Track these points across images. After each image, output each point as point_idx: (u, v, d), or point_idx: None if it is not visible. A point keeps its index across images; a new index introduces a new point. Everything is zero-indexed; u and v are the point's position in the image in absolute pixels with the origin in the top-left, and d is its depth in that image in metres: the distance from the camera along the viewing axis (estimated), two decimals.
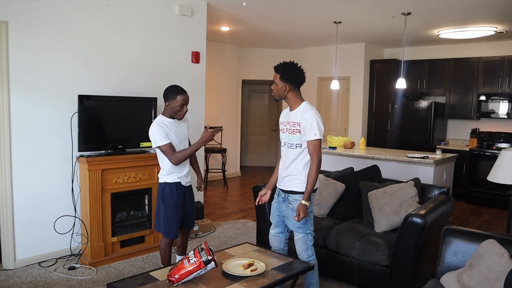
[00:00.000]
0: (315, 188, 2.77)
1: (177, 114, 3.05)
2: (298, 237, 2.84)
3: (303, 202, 2.66)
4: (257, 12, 5.44)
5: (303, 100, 2.79)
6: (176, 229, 3.15)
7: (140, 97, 4.18)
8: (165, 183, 3.10)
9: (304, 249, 2.84)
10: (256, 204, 3.14)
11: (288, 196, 2.81)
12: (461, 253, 2.47)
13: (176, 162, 2.99)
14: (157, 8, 4.47)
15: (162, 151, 2.99)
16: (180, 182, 3.12)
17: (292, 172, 2.77)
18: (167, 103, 3.03)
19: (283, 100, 2.85)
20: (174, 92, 3.03)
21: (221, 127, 3.06)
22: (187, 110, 3.09)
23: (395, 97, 7.37)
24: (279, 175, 2.92)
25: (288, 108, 2.84)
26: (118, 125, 4.01)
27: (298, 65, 2.78)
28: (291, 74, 2.73)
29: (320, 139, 2.68)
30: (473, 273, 2.26)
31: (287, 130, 2.80)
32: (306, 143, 2.70)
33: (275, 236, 3.03)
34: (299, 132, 2.71)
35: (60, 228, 3.84)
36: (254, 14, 5.57)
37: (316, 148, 2.67)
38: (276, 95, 2.81)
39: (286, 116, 2.85)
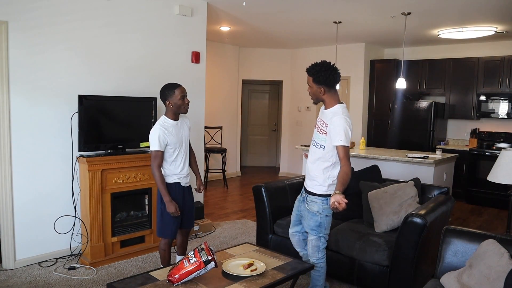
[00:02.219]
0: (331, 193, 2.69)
1: (181, 108, 3.06)
2: (311, 238, 2.83)
3: (337, 192, 2.48)
4: (257, 12, 5.44)
5: (339, 102, 2.68)
6: (173, 230, 3.15)
7: (140, 97, 4.18)
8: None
9: (315, 251, 2.82)
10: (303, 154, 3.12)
11: (307, 196, 2.80)
12: (461, 253, 2.47)
13: (152, 172, 3.02)
14: (157, 8, 4.47)
15: (151, 155, 3.00)
16: (179, 183, 3.12)
17: (313, 173, 2.75)
18: (167, 102, 3.03)
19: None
20: (170, 88, 3.05)
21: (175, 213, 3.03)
22: (189, 101, 3.11)
23: (395, 97, 7.38)
24: (306, 172, 2.88)
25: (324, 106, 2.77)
26: (118, 125, 4.01)
27: (331, 64, 2.65)
28: (323, 75, 2.61)
29: (347, 146, 2.57)
30: (473, 273, 2.26)
31: (317, 127, 2.76)
32: (329, 147, 2.64)
33: (292, 235, 3.04)
34: (325, 134, 2.66)
35: (60, 228, 3.84)
36: (254, 14, 5.57)
37: (345, 154, 2.56)
38: (313, 98, 2.75)
39: (321, 113, 2.79)
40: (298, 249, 3.08)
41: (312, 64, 2.68)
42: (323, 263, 2.85)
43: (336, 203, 2.44)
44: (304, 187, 2.88)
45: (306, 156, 3.15)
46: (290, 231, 3.06)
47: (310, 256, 2.85)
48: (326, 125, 2.65)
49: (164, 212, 3.08)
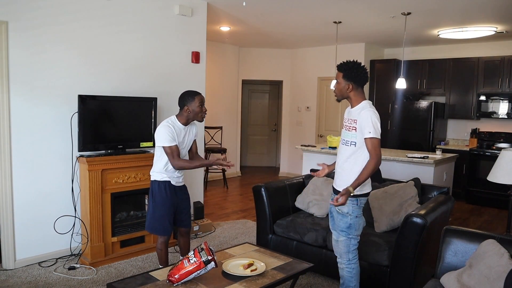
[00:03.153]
0: (367, 192, 2.68)
1: (198, 115, 3.09)
2: (341, 239, 2.74)
3: (350, 188, 2.53)
4: (257, 12, 5.44)
5: (365, 99, 2.70)
6: (164, 226, 3.13)
7: (140, 97, 4.18)
8: (155, 181, 3.11)
9: (345, 252, 2.73)
10: (311, 173, 3.06)
11: (335, 196, 2.71)
12: (461, 253, 2.47)
13: (177, 168, 3.03)
14: (157, 8, 4.47)
15: (166, 152, 3.00)
16: (169, 181, 3.11)
17: (345, 172, 2.68)
18: (186, 107, 3.05)
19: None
20: (191, 94, 3.08)
21: (231, 165, 3.07)
22: (206, 110, 3.14)
23: (395, 97, 7.38)
24: (335, 172, 2.83)
25: (350, 105, 2.77)
26: (118, 125, 4.00)
27: (362, 64, 2.71)
28: (355, 73, 2.66)
29: (377, 138, 2.56)
30: (473, 273, 2.26)
31: (345, 127, 2.74)
32: (361, 143, 2.62)
33: (333, 240, 2.87)
34: (355, 129, 2.63)
35: (60, 228, 3.84)
36: (254, 14, 5.57)
37: (374, 146, 2.55)
38: (338, 95, 2.75)
39: (347, 113, 2.78)
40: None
41: (343, 62, 2.74)
42: (354, 264, 2.76)
43: (333, 202, 2.48)
44: (334, 188, 2.81)
45: (313, 172, 3.03)
46: (332, 237, 2.88)
47: (340, 257, 2.77)
48: (355, 121, 2.64)
49: (155, 207, 3.10)
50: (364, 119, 2.58)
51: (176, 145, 3.01)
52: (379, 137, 2.58)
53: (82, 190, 3.81)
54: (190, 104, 3.05)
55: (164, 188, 3.09)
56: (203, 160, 3.16)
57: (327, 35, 6.82)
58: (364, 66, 2.72)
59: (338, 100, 2.82)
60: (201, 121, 3.16)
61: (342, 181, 2.68)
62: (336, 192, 2.75)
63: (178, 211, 3.18)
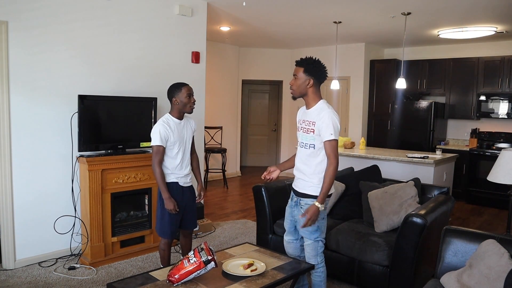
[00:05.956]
0: (330, 192, 2.64)
1: (186, 106, 3.08)
2: (308, 242, 2.75)
3: (317, 203, 2.54)
4: (257, 12, 5.44)
5: (321, 98, 2.69)
6: (171, 230, 3.13)
7: (140, 97, 4.18)
8: None
9: (313, 256, 2.74)
10: (263, 177, 2.91)
11: (300, 200, 2.71)
12: (461, 253, 2.47)
13: (152, 167, 3.03)
14: (157, 8, 4.47)
15: (152, 151, 3.01)
16: (177, 182, 3.11)
17: (307, 173, 2.67)
18: (174, 99, 3.05)
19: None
20: (177, 86, 3.09)
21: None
22: (195, 101, 3.14)
23: (395, 97, 7.37)
24: (295, 175, 2.81)
25: (305, 106, 2.75)
26: (118, 125, 4.01)
27: (321, 62, 2.70)
28: (316, 68, 2.63)
29: (336, 140, 2.57)
30: (473, 273, 2.26)
31: (302, 129, 2.71)
32: (320, 144, 2.60)
33: (288, 242, 2.93)
34: (313, 132, 2.61)
35: (60, 228, 3.84)
36: (254, 14, 5.57)
37: (334, 149, 2.55)
38: (295, 92, 2.69)
39: (302, 115, 2.75)
40: (294, 255, 2.93)
41: (303, 57, 2.72)
42: (322, 267, 2.78)
43: (309, 220, 2.53)
44: (295, 190, 2.79)
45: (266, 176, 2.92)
46: (286, 238, 2.93)
47: (308, 261, 2.78)
48: (313, 123, 2.62)
49: (163, 211, 3.08)
50: (324, 121, 2.56)
51: (164, 147, 2.99)
52: (338, 139, 2.59)
53: (82, 190, 3.81)
54: (178, 95, 3.04)
55: (172, 190, 3.07)
56: (165, 189, 3.01)
57: (327, 35, 6.82)
58: (323, 63, 2.70)
59: (294, 98, 2.76)
60: (190, 112, 3.13)
61: (303, 182, 2.70)
62: (296, 193, 2.76)
63: (184, 213, 3.17)
